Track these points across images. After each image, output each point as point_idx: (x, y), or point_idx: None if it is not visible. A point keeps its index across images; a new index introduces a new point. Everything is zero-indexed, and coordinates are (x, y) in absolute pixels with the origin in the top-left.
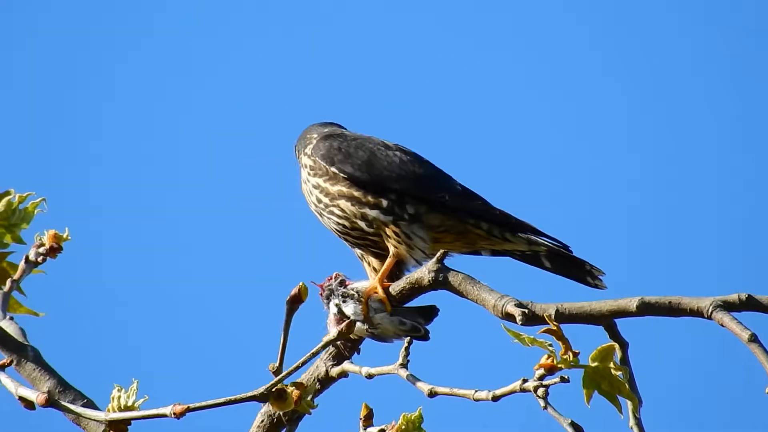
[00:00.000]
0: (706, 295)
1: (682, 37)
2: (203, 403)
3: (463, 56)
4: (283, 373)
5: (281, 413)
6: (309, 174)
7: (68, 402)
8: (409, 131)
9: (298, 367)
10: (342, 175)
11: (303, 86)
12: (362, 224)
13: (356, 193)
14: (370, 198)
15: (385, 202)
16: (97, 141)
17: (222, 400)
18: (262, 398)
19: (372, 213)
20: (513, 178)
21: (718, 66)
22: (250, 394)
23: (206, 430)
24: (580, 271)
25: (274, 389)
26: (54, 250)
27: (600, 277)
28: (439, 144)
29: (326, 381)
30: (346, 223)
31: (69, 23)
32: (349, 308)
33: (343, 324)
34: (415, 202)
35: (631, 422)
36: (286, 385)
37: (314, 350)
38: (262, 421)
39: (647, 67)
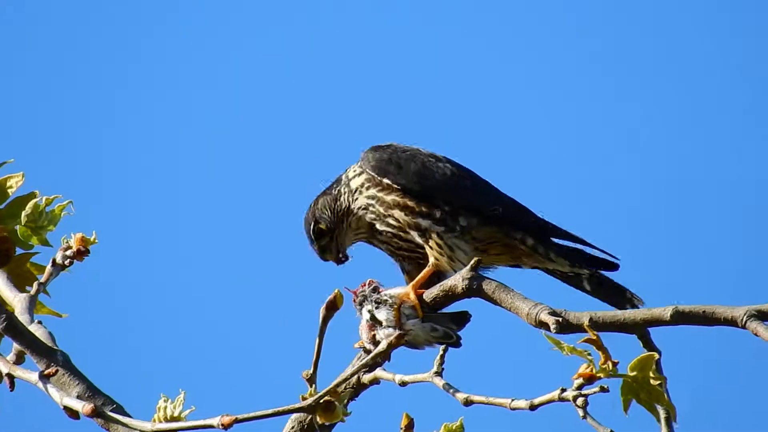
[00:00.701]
0: (737, 304)
1: (687, 33)
2: (251, 414)
3: (463, 55)
4: (333, 384)
5: (316, 422)
6: (366, 187)
7: (111, 412)
8: (410, 130)
9: (346, 380)
10: (395, 186)
11: (304, 86)
12: (415, 234)
13: (410, 203)
14: (423, 208)
15: (438, 213)
16: (114, 138)
17: (270, 411)
18: (310, 410)
19: (425, 223)
20: (515, 178)
21: (725, 61)
22: (298, 405)
23: None
24: (620, 298)
25: (322, 401)
26: (81, 253)
27: (639, 306)
28: (440, 143)
29: (358, 388)
30: (402, 234)
31: (70, 23)
32: (382, 314)
33: (393, 336)
34: (468, 215)
35: (664, 431)
36: (318, 393)
37: (365, 361)
38: (293, 427)
39: (653, 64)
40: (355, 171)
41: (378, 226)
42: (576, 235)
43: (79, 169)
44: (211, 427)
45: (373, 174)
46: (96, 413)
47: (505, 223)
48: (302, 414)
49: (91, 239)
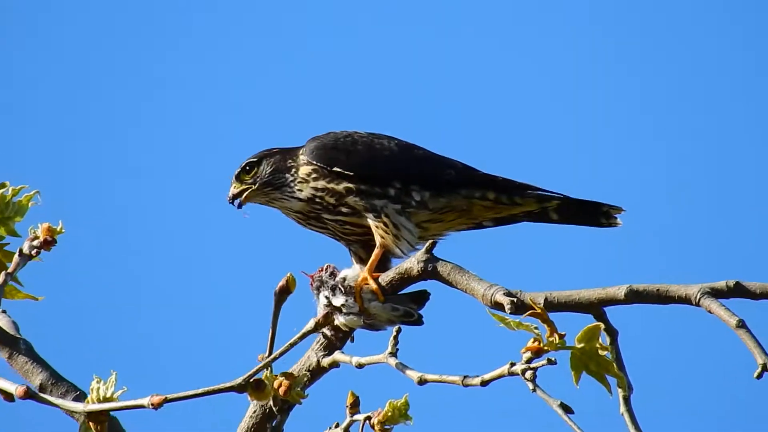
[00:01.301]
0: (695, 282)
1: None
2: (181, 394)
3: (463, 54)
4: (260, 364)
5: (272, 404)
6: (310, 180)
7: (61, 395)
8: (411, 129)
9: (275, 359)
10: (347, 173)
11: (304, 85)
12: (370, 216)
13: (363, 187)
14: (377, 189)
15: (392, 191)
16: (96, 129)
17: (200, 390)
18: (240, 389)
19: (380, 203)
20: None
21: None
22: (228, 384)
23: (201, 421)
24: (595, 214)
25: (252, 380)
26: (48, 243)
27: (616, 215)
28: (442, 141)
29: (317, 371)
30: (355, 219)
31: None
32: (339, 300)
33: (320, 315)
34: (420, 189)
35: (622, 408)
36: (275, 375)
37: (292, 341)
38: (255, 411)
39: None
40: (303, 160)
41: (326, 216)
42: (525, 183)
43: (48, 160)
44: (141, 407)
45: (321, 165)
46: (29, 395)
47: (460, 187)
48: None
49: (58, 229)
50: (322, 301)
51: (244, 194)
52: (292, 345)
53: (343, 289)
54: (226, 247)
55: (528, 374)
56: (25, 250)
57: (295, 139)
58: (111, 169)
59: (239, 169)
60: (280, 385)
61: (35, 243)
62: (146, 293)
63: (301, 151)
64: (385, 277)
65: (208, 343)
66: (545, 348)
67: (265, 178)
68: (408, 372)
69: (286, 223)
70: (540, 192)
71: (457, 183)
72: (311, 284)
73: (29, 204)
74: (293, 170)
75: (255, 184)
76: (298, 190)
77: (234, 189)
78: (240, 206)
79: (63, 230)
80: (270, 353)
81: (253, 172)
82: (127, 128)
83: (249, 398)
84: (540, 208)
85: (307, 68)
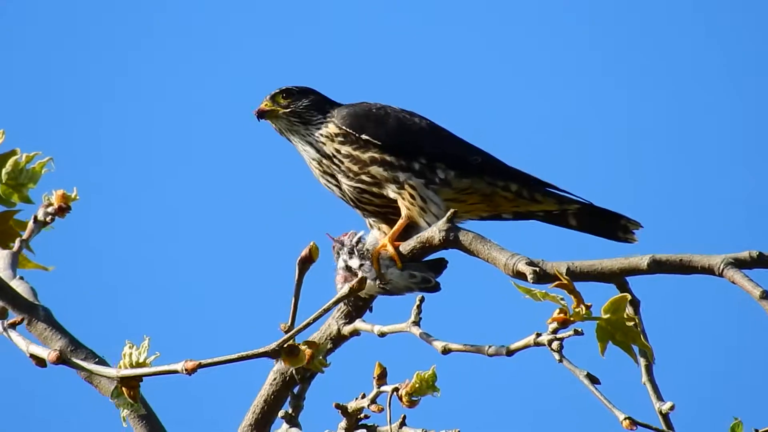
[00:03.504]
0: (717, 252)
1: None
2: (215, 359)
3: (462, 54)
4: (295, 329)
5: (294, 372)
6: (341, 142)
7: (80, 361)
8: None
9: (309, 324)
10: (375, 141)
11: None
12: (392, 187)
13: (389, 158)
14: (402, 162)
15: (416, 165)
16: (103, 99)
17: (234, 356)
18: (274, 354)
19: (404, 176)
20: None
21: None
22: (262, 350)
23: (220, 388)
24: (613, 226)
25: (285, 345)
26: (62, 210)
27: (634, 231)
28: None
29: (338, 339)
30: (375, 189)
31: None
32: (355, 262)
33: (355, 281)
34: (446, 167)
35: (644, 378)
36: (298, 344)
37: (326, 306)
38: (275, 379)
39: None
40: (330, 122)
41: (345, 181)
42: (550, 183)
43: (67, 127)
44: (175, 372)
45: (350, 131)
46: (61, 360)
47: (485, 173)
48: (282, 365)
49: (72, 196)
50: (340, 264)
51: (271, 112)
52: (325, 311)
53: (360, 252)
54: (248, 215)
55: (555, 345)
56: (40, 216)
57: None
58: (130, 135)
59: (277, 91)
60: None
61: (50, 210)
62: (166, 262)
63: (334, 114)
64: (405, 246)
65: (229, 312)
66: (571, 318)
67: (299, 110)
68: (431, 341)
69: (310, 192)
70: (561, 193)
71: (482, 168)
72: (333, 246)
73: (42, 171)
74: (327, 120)
75: (287, 109)
76: (321, 142)
77: (264, 105)
78: (259, 119)
79: (77, 197)
80: (293, 323)
81: (289, 99)
82: (139, 95)
83: (283, 363)
84: (560, 209)
85: (310, 67)
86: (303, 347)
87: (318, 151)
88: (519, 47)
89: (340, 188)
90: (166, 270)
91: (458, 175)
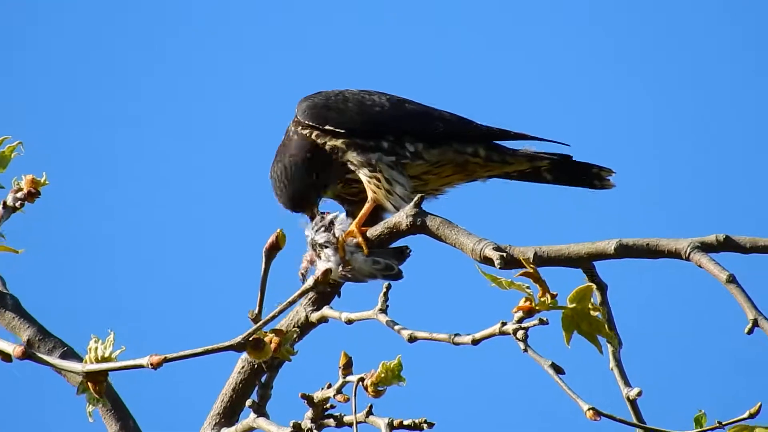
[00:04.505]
0: (685, 237)
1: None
2: (180, 353)
3: (463, 53)
4: (259, 323)
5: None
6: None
7: (48, 351)
8: None
9: (274, 316)
10: (340, 130)
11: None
12: (366, 171)
13: (359, 141)
14: (371, 142)
15: (385, 144)
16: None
17: (199, 350)
18: (239, 348)
19: (374, 156)
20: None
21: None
22: (227, 343)
23: (188, 377)
24: (586, 176)
25: (251, 338)
26: (32, 195)
27: (608, 177)
28: None
29: (306, 327)
30: (353, 177)
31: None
32: (320, 237)
33: (319, 273)
34: (414, 140)
35: (612, 363)
36: (265, 333)
37: (291, 299)
38: (243, 367)
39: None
40: (294, 131)
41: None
42: (522, 133)
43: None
44: (141, 366)
45: (314, 124)
46: (27, 355)
47: (453, 140)
48: None
49: (42, 181)
50: (308, 237)
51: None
52: (291, 303)
53: (327, 232)
54: (215, 203)
55: (519, 334)
56: (9, 202)
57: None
58: (101, 117)
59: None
60: (269, 342)
61: (19, 195)
62: (131, 251)
63: (293, 119)
64: (373, 231)
65: (196, 301)
66: (537, 308)
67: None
68: (398, 329)
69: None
70: (532, 152)
71: (447, 135)
72: (303, 223)
73: (12, 155)
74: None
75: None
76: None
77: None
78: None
79: (47, 182)
80: (260, 311)
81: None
82: (113, 76)
83: (249, 357)
84: (531, 167)
85: (313, 66)
86: (271, 335)
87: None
88: (526, 37)
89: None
90: (137, 257)
91: (427, 146)
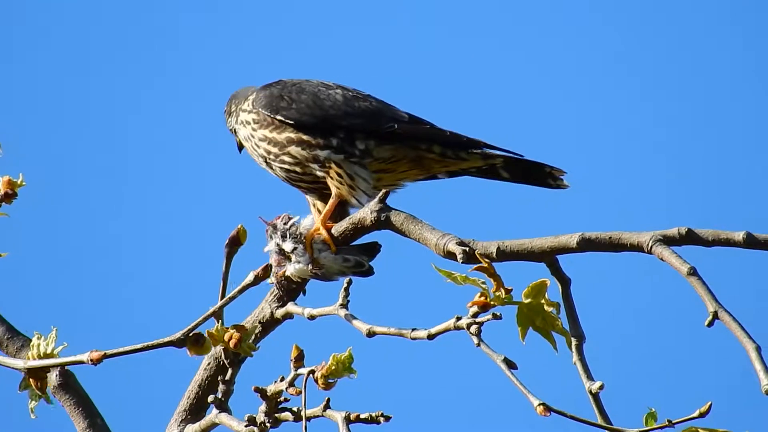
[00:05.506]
0: (647, 230)
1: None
2: (120, 350)
3: (463, 53)
4: (198, 319)
5: (223, 356)
6: (254, 128)
7: (16, 348)
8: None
9: (212, 314)
10: (288, 122)
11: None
12: (315, 167)
13: (305, 137)
14: (320, 140)
15: (334, 141)
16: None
17: (139, 346)
18: (179, 343)
19: (323, 153)
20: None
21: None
22: (167, 339)
23: (156, 373)
24: (540, 175)
25: (191, 334)
26: (8, 196)
27: (561, 177)
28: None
29: (271, 323)
30: (298, 169)
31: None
32: (289, 245)
33: (260, 268)
34: (364, 137)
35: (575, 357)
36: (226, 328)
37: (232, 294)
38: (209, 364)
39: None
40: (245, 109)
41: (273, 164)
42: (475, 139)
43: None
44: (81, 362)
45: (265, 112)
46: None
47: (405, 138)
48: (216, 350)
49: (18, 182)
50: (272, 247)
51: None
52: (231, 299)
53: (294, 236)
54: (177, 196)
55: (473, 329)
56: None
57: None
58: (63, 118)
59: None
60: (230, 338)
61: None
62: (96, 247)
63: (249, 102)
64: (338, 228)
65: (160, 297)
66: (491, 303)
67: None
68: (356, 324)
69: (243, 171)
70: (486, 151)
71: (398, 136)
72: (266, 231)
73: None
74: (234, 113)
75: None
76: (249, 138)
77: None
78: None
79: (24, 183)
80: (221, 306)
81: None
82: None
83: (188, 353)
84: (486, 165)
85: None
86: (231, 332)
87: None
88: (525, 37)
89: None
90: (105, 254)
91: (378, 143)
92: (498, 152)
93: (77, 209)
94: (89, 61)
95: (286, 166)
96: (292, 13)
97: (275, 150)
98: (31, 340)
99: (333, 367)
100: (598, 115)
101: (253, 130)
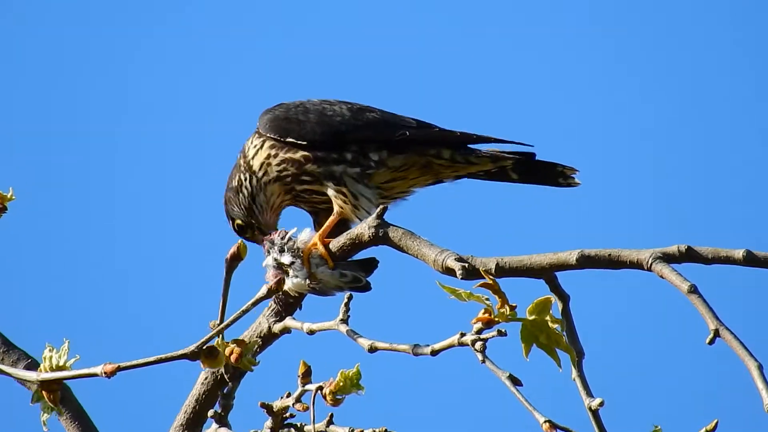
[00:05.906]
0: (647, 247)
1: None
2: (134, 362)
3: (464, 53)
4: (213, 332)
5: (223, 370)
6: (271, 158)
7: (12, 363)
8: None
9: (227, 326)
10: (301, 143)
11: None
12: (330, 184)
13: (320, 154)
14: (334, 155)
15: (349, 155)
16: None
17: (153, 358)
18: (193, 356)
19: (339, 168)
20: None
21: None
22: (180, 352)
23: (152, 388)
24: (551, 174)
25: (205, 347)
26: None
27: (573, 175)
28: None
29: (269, 337)
30: (316, 188)
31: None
32: (286, 258)
33: (273, 281)
34: (377, 148)
35: (574, 374)
36: (227, 342)
37: (244, 308)
38: (206, 378)
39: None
40: (254, 145)
41: (296, 187)
42: (485, 135)
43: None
44: (95, 375)
45: (275, 137)
46: None
47: (417, 144)
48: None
49: (8, 195)
50: (270, 261)
51: (264, 230)
52: (244, 312)
53: (291, 251)
54: (177, 214)
55: (478, 345)
56: None
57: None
58: (56, 128)
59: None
60: (231, 352)
61: None
62: (96, 261)
63: (255, 133)
64: (336, 243)
65: (159, 311)
66: (496, 319)
67: (244, 212)
68: (358, 339)
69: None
70: (496, 153)
71: (410, 141)
72: (264, 246)
73: None
74: (246, 180)
75: (252, 222)
76: (262, 178)
77: (259, 241)
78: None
79: (13, 197)
80: (221, 321)
81: (240, 224)
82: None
83: (202, 365)
84: (496, 167)
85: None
86: (231, 346)
87: (270, 183)
88: (526, 37)
89: (304, 200)
90: (99, 270)
91: (391, 153)
92: (508, 155)
93: (69, 221)
94: (89, 60)
95: (306, 186)
96: (293, 13)
97: (294, 170)
98: (27, 354)
99: (341, 384)
100: (599, 116)
101: (274, 156)
